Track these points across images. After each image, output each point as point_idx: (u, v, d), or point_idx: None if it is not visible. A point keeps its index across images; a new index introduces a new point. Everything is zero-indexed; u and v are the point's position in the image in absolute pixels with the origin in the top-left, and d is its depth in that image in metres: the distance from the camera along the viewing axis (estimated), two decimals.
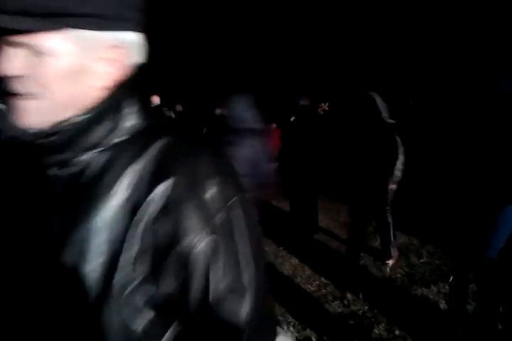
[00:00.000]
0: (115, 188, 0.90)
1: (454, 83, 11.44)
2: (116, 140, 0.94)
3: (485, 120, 3.31)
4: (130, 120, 0.95)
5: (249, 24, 19.11)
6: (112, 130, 0.93)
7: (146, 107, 0.99)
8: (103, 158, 0.93)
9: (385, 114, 4.86)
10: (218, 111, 6.10)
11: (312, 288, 4.82)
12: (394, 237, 5.45)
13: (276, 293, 4.51)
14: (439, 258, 5.59)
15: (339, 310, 4.35)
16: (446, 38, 14.01)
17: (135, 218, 0.88)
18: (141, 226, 0.88)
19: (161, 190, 0.88)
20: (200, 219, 0.88)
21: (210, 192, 0.89)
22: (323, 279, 5.00)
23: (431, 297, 4.55)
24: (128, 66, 0.96)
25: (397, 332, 3.91)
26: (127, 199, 0.89)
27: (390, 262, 5.38)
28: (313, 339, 3.87)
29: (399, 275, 5.12)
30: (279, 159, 6.59)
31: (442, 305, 4.36)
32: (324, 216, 7.47)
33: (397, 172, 4.89)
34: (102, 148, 0.93)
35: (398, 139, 4.89)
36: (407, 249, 5.92)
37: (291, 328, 3.98)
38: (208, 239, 0.88)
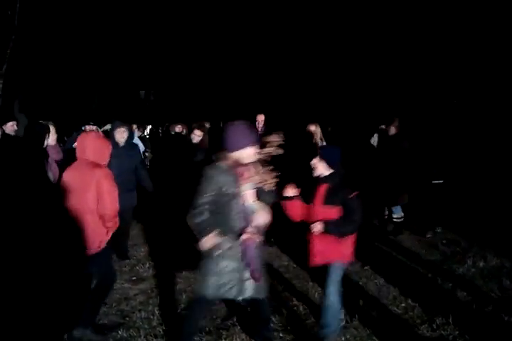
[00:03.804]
0: None
1: None
2: None
3: None
4: None
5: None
6: None
7: None
8: None
9: None
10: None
11: (398, 311, 4.71)
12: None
13: (360, 315, 4.47)
14: None
15: (427, 334, 4.23)
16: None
17: None
18: None
19: None
20: None
21: None
22: (410, 301, 4.87)
23: None
24: None
25: None
26: None
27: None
28: None
29: (491, 300, 4.90)
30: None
31: None
32: (409, 235, 7.33)
33: None
34: None
35: None
36: (498, 272, 5.66)
37: None
38: None
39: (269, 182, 3.54)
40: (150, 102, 29.54)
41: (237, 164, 3.52)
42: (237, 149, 3.49)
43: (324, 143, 7.08)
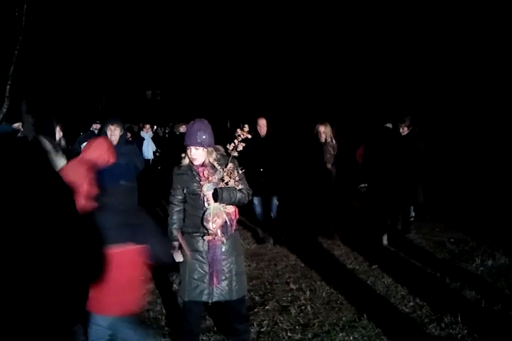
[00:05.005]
0: None
1: None
2: None
3: None
4: None
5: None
6: None
7: None
8: None
9: None
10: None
11: (407, 310, 4.68)
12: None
13: (369, 314, 4.46)
14: None
15: (436, 333, 4.20)
16: None
17: None
18: None
19: None
20: None
21: None
22: (418, 300, 4.85)
23: None
24: None
25: None
26: None
27: None
28: None
29: (499, 298, 4.87)
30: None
31: None
32: (417, 234, 7.31)
33: None
34: None
35: None
36: (507, 270, 5.63)
37: None
38: None
39: (233, 181, 3.50)
40: (157, 102, 29.64)
41: (195, 162, 3.56)
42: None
43: (333, 143, 6.99)
